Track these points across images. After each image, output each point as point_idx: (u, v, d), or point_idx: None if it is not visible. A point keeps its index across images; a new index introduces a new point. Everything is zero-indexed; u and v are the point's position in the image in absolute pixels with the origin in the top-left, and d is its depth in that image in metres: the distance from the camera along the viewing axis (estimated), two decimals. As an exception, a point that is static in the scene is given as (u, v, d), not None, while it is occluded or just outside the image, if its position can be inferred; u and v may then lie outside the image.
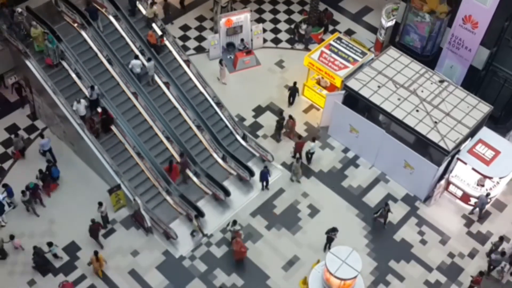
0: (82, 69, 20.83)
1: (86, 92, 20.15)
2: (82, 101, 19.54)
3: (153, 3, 21.70)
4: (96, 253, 17.97)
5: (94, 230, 18.63)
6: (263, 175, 20.11)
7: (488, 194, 19.73)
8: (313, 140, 21.18)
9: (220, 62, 22.97)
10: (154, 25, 22.00)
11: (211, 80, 22.76)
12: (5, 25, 19.87)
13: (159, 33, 21.93)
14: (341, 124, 21.75)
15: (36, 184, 19.32)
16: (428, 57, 23.06)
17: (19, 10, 20.50)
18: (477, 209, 20.06)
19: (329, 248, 18.84)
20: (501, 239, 18.92)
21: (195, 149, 21.10)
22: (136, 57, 21.25)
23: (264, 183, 20.38)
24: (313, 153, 21.33)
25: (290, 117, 21.97)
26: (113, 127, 20.22)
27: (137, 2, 22.03)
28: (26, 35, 20.05)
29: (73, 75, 20.34)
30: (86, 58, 21.20)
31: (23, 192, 18.91)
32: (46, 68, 20.11)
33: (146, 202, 19.62)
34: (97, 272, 18.30)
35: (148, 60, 21.16)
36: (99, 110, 20.13)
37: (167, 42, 22.54)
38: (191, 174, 20.53)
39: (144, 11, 22.09)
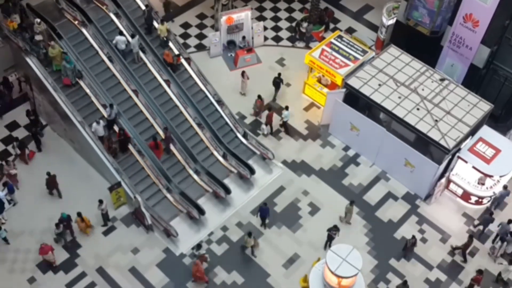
0: (83, 67, 20.85)
1: (104, 112, 19.94)
2: (101, 122, 19.37)
3: (162, 20, 21.58)
4: (79, 214, 18.37)
5: (50, 182, 19.03)
6: (262, 211, 19.11)
7: (506, 186, 19.78)
8: (286, 108, 21.70)
9: (242, 74, 22.69)
10: (170, 43, 21.88)
11: (212, 78, 22.74)
12: (27, 47, 19.93)
13: (176, 51, 21.81)
14: (342, 122, 21.75)
15: (68, 215, 18.59)
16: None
17: (38, 20, 20.30)
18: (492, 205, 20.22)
19: (330, 246, 18.86)
20: (491, 214, 19.43)
21: (195, 147, 21.09)
22: (121, 33, 21.18)
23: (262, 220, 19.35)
24: (286, 121, 21.93)
25: (259, 97, 22.35)
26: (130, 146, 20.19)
27: (153, 21, 21.95)
28: (45, 54, 20.06)
29: (91, 95, 20.21)
30: (86, 56, 21.15)
31: (57, 225, 18.21)
32: (63, 87, 19.97)
33: (146, 200, 19.62)
34: (84, 231, 18.82)
35: (132, 36, 21.04)
36: (117, 130, 19.98)
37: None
38: (178, 155, 20.43)
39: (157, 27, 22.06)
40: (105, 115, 19.93)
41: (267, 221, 19.37)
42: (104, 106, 20.15)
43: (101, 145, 19.80)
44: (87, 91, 20.24)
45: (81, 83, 20.31)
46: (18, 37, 19.97)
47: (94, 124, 19.32)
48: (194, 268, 17.60)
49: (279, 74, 22.97)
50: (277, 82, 23.00)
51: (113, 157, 19.49)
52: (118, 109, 20.02)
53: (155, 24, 22.07)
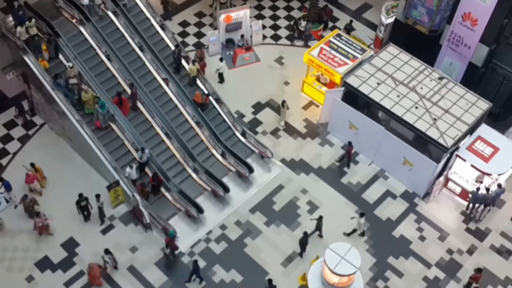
0: (82, 66, 20.80)
1: (136, 154, 19.82)
2: (134, 165, 19.17)
3: (194, 61, 21.58)
4: (32, 164, 18.73)
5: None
6: (194, 269, 17.86)
7: (500, 185, 19.85)
8: (221, 60, 23.08)
9: (282, 104, 21.97)
10: (198, 81, 21.88)
11: (211, 76, 22.71)
12: (61, 92, 19.80)
13: (204, 90, 21.76)
14: (341, 120, 21.75)
15: (175, 232, 18.40)
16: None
17: (70, 64, 20.13)
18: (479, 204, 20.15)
19: (301, 253, 18.78)
20: (477, 190, 19.64)
21: (194, 146, 21.06)
22: None
23: (194, 277, 18.11)
24: (222, 72, 23.08)
25: (199, 47, 23.29)
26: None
27: (182, 60, 21.88)
28: (78, 99, 20.03)
29: (122, 137, 20.14)
30: (86, 57, 21.11)
31: (167, 245, 17.91)
32: (95, 130, 19.88)
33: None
34: (42, 185, 18.96)
35: None
36: (149, 173, 19.70)
37: (166, 38, 22.53)
38: (176, 153, 20.36)
39: (187, 67, 21.98)
40: (137, 158, 19.80)
41: (193, 277, 18.16)
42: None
43: (100, 144, 19.78)
44: (119, 133, 20.15)
45: (113, 125, 20.21)
46: (56, 87, 19.88)
47: (128, 169, 19.10)
48: (89, 270, 17.57)
49: (351, 21, 25.52)
50: (348, 28, 25.19)
51: (146, 199, 19.22)
52: (151, 152, 19.87)
53: (184, 63, 21.98)
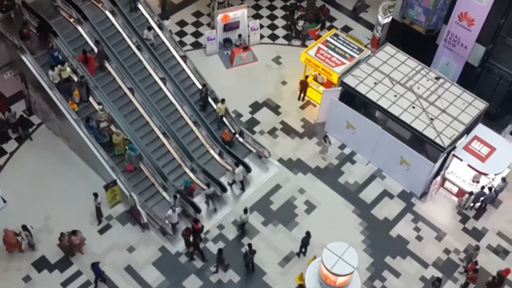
0: (79, 64, 20.78)
1: (167, 197, 19.66)
2: (177, 209, 18.89)
3: (223, 100, 21.29)
4: None
5: None
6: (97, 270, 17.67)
7: (504, 179, 19.99)
8: (167, 18, 23.25)
9: (324, 138, 21.39)
10: (225, 119, 21.71)
11: (208, 76, 22.69)
12: (92, 136, 19.68)
13: (231, 129, 21.65)
14: (338, 120, 21.79)
15: (192, 181, 18.37)
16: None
17: (100, 107, 20.03)
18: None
19: (299, 253, 18.88)
20: (482, 188, 19.68)
21: (192, 145, 21.07)
22: None
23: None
24: (169, 30, 22.92)
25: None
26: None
27: (209, 99, 21.73)
28: (109, 141, 19.90)
29: (151, 178, 20.04)
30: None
31: (180, 194, 18.08)
32: (125, 172, 19.74)
33: (140, 196, 19.45)
34: None
35: None
36: (192, 223, 19.05)
37: (164, 38, 22.52)
38: (174, 153, 20.34)
39: (215, 106, 21.75)
40: (167, 199, 19.67)
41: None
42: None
43: (97, 143, 19.75)
44: (148, 175, 20.02)
45: (142, 167, 20.10)
46: (88, 130, 19.72)
47: (170, 212, 18.73)
48: (3, 235, 17.79)
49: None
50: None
51: (186, 244, 18.81)
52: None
53: (211, 101, 21.82)
